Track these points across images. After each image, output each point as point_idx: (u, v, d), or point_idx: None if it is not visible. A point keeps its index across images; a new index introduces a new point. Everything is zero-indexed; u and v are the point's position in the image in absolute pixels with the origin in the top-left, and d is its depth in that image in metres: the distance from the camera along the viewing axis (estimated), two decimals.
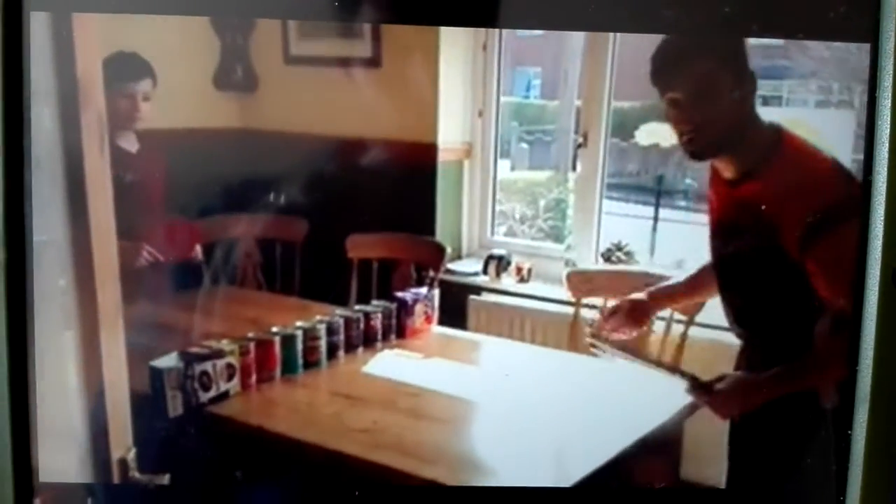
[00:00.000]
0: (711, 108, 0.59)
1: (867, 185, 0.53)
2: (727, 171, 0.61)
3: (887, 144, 0.52)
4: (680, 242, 0.67)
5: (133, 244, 0.57)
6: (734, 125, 0.59)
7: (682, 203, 0.67)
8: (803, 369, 0.60)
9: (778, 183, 0.59)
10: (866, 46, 0.54)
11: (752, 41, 0.57)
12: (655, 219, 0.67)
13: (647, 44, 0.58)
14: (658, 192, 0.67)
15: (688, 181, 0.65)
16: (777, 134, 0.59)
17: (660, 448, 0.63)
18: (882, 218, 0.52)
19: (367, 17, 0.55)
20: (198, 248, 0.60)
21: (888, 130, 0.52)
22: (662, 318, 0.67)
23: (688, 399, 0.64)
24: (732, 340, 0.62)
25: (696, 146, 0.60)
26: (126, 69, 0.55)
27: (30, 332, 0.53)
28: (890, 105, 0.52)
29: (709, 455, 0.63)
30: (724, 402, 0.62)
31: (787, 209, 0.58)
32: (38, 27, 0.52)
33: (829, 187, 0.58)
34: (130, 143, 0.57)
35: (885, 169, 0.52)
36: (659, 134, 0.63)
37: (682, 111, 0.59)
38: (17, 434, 0.53)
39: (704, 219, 0.64)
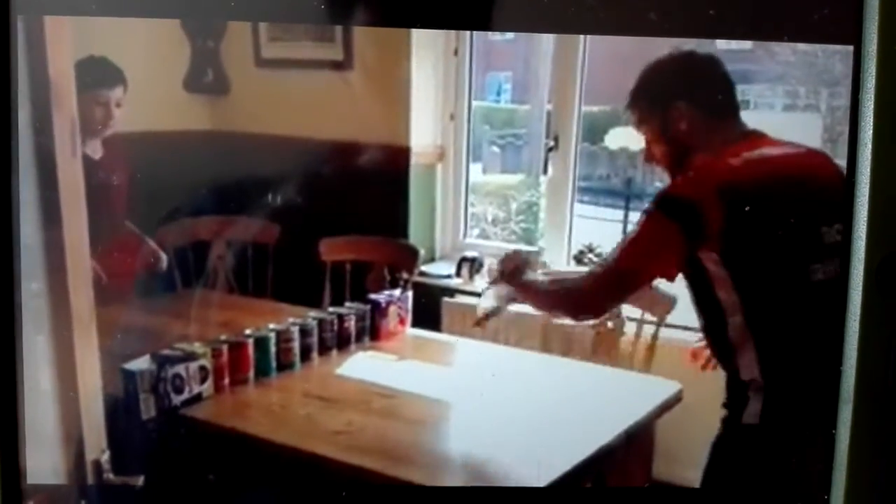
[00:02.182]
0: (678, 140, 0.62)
1: (850, 186, 0.53)
2: None
3: (870, 146, 0.52)
4: None
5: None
6: (689, 142, 0.61)
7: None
8: None
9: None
10: (833, 50, 0.55)
11: (719, 44, 0.57)
12: (625, 221, 0.68)
13: (616, 48, 0.59)
14: (627, 196, 0.68)
15: (657, 184, 0.66)
16: (738, 138, 0.60)
17: (632, 447, 0.64)
18: (865, 219, 0.52)
19: (342, 20, 0.55)
20: (163, 259, 0.60)
21: (871, 132, 0.52)
22: (634, 320, 0.68)
23: (661, 398, 0.65)
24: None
25: (669, 171, 0.63)
26: (99, 75, 0.55)
27: (17, 334, 0.53)
28: (872, 107, 0.52)
29: (681, 454, 0.63)
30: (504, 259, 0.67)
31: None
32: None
33: (685, 183, 0.61)
34: (94, 150, 0.57)
35: (868, 170, 0.52)
36: (628, 138, 0.64)
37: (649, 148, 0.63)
38: (4, 437, 0.53)
39: None
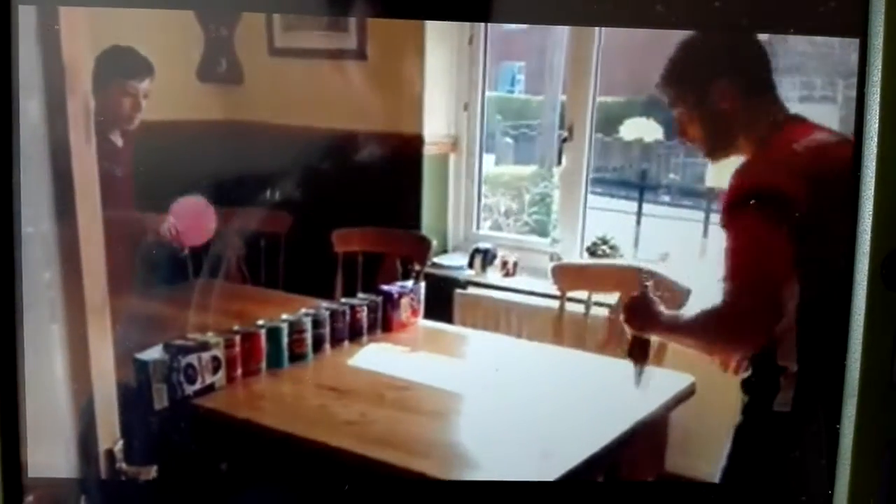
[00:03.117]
0: (719, 119, 0.60)
1: (856, 179, 0.53)
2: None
3: (876, 139, 0.52)
4: (664, 236, 0.68)
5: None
6: (730, 122, 0.60)
7: (666, 198, 0.67)
8: (703, 329, 0.63)
9: (748, 162, 0.60)
10: (848, 41, 0.54)
11: None
12: (639, 213, 0.68)
13: (632, 38, 0.58)
14: (642, 188, 0.68)
15: (671, 176, 0.66)
16: (784, 122, 0.59)
17: (645, 440, 0.64)
18: (870, 212, 0.52)
19: (356, 11, 0.55)
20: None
21: (877, 125, 0.52)
22: None
23: (674, 391, 0.64)
24: None
25: (705, 151, 0.62)
26: (128, 65, 0.55)
27: (18, 326, 0.53)
28: (878, 100, 0.52)
29: (694, 447, 0.63)
30: (629, 310, 0.65)
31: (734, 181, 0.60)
32: (25, 17, 0.52)
33: (773, 173, 0.59)
34: (117, 137, 0.57)
35: (874, 163, 0.52)
36: (642, 129, 0.64)
37: (685, 126, 0.61)
38: (6, 430, 0.53)
39: (687, 213, 0.64)
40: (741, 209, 0.60)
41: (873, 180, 0.52)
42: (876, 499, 0.53)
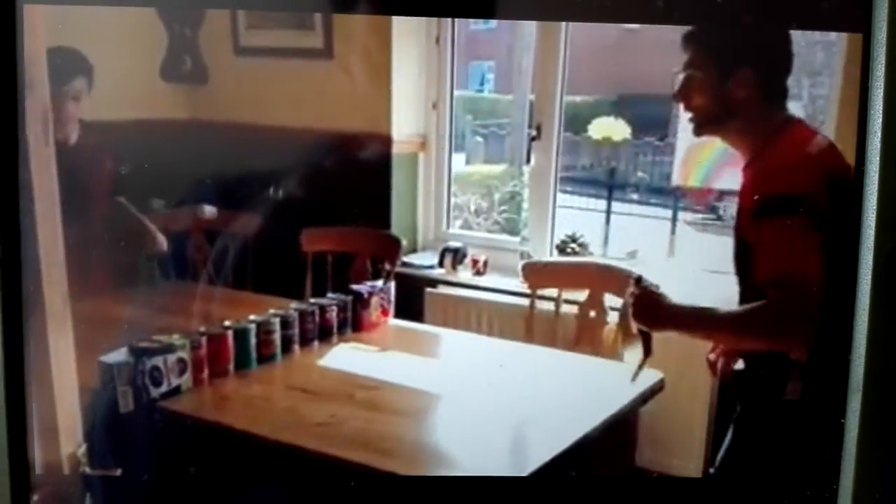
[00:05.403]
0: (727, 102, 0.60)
1: (859, 174, 0.53)
2: (740, 154, 0.61)
3: (879, 134, 0.51)
4: (632, 234, 0.68)
5: None
6: (736, 109, 0.60)
7: (634, 196, 0.68)
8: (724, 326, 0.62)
9: (766, 165, 0.60)
10: (814, 39, 0.55)
11: None
12: (608, 211, 0.68)
13: (599, 38, 0.58)
14: (610, 186, 0.68)
15: (639, 174, 0.66)
16: (787, 123, 0.59)
17: (616, 435, 0.64)
18: (874, 207, 0.52)
19: (323, 7, 0.54)
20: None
21: (880, 120, 0.51)
22: (616, 309, 0.68)
23: (643, 386, 0.65)
24: None
25: (696, 121, 0.62)
26: (62, 68, 0.53)
27: (25, 327, 0.52)
28: (882, 95, 0.51)
29: (664, 442, 0.64)
30: (638, 304, 0.64)
31: (758, 185, 0.60)
32: None
33: (799, 179, 0.59)
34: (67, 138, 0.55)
35: (878, 158, 0.51)
36: (611, 128, 0.64)
37: (691, 90, 0.60)
38: (13, 428, 0.52)
39: (655, 211, 0.65)
40: (771, 215, 0.59)
41: (877, 174, 0.52)
42: (880, 494, 0.53)
